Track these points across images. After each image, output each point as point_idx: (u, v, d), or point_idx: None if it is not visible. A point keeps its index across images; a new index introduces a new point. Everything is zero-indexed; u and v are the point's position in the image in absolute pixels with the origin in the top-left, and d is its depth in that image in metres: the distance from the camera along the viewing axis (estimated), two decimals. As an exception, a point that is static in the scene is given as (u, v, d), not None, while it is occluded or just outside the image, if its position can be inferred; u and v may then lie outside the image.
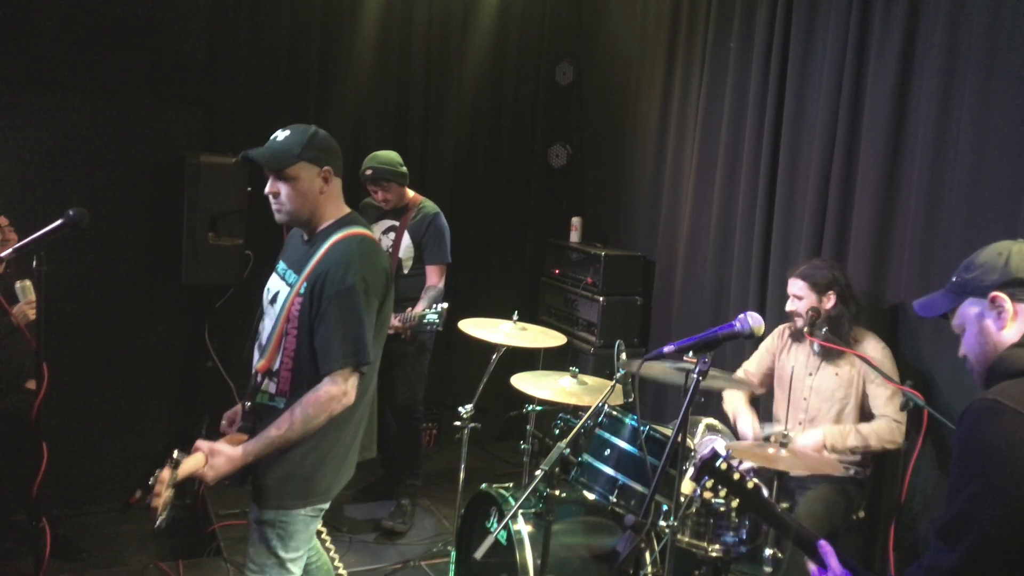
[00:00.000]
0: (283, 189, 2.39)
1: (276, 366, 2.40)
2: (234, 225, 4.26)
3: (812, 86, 3.84)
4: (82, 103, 4.18)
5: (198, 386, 4.56)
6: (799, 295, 3.35)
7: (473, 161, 5.44)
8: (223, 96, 4.53)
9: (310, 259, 2.40)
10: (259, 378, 2.43)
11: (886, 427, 3.18)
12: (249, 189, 4.24)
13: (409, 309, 4.00)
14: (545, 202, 5.70)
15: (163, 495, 2.21)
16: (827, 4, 3.76)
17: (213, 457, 2.28)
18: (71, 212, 2.58)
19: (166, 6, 4.30)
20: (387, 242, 4.26)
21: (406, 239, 4.23)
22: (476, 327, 3.63)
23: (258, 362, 2.44)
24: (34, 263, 2.54)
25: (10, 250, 2.57)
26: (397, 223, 4.26)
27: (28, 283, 3.45)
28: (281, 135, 2.44)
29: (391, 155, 4.16)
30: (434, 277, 4.22)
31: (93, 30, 4.14)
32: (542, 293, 5.45)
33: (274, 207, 2.44)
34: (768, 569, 2.73)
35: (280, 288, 2.47)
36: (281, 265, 2.55)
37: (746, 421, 3.44)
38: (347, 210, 2.52)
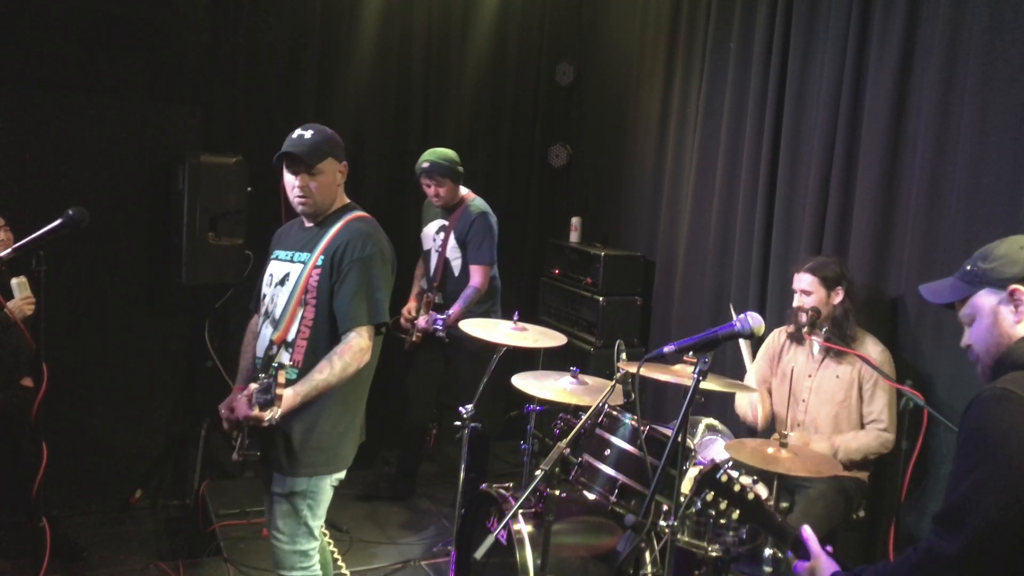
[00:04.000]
0: (311, 183, 2.60)
1: (292, 336, 2.57)
2: (234, 225, 4.26)
3: (812, 86, 3.84)
4: (82, 103, 4.18)
5: (198, 386, 4.55)
6: (808, 290, 3.31)
7: (473, 161, 5.43)
8: (223, 96, 4.53)
9: (322, 238, 2.62)
10: (273, 349, 2.57)
11: (875, 442, 3.20)
12: (249, 189, 4.24)
13: (434, 313, 4.06)
14: (545, 202, 5.70)
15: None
16: (827, 4, 3.76)
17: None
18: (71, 212, 2.58)
19: (166, 6, 4.30)
20: (438, 242, 4.27)
21: (452, 239, 4.24)
22: (476, 327, 3.63)
23: (273, 334, 2.59)
24: (33, 263, 2.54)
25: (9, 250, 2.57)
26: (447, 223, 4.27)
27: (24, 279, 3.48)
28: (307, 133, 2.62)
29: (449, 152, 4.21)
30: (476, 278, 4.20)
31: (93, 30, 4.13)
32: (542, 293, 5.44)
33: (300, 200, 2.63)
34: (768, 569, 2.73)
35: (290, 269, 2.66)
36: (283, 253, 2.72)
37: (746, 403, 3.51)
38: (347, 199, 2.76)
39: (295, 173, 2.60)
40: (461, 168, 4.21)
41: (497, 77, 5.44)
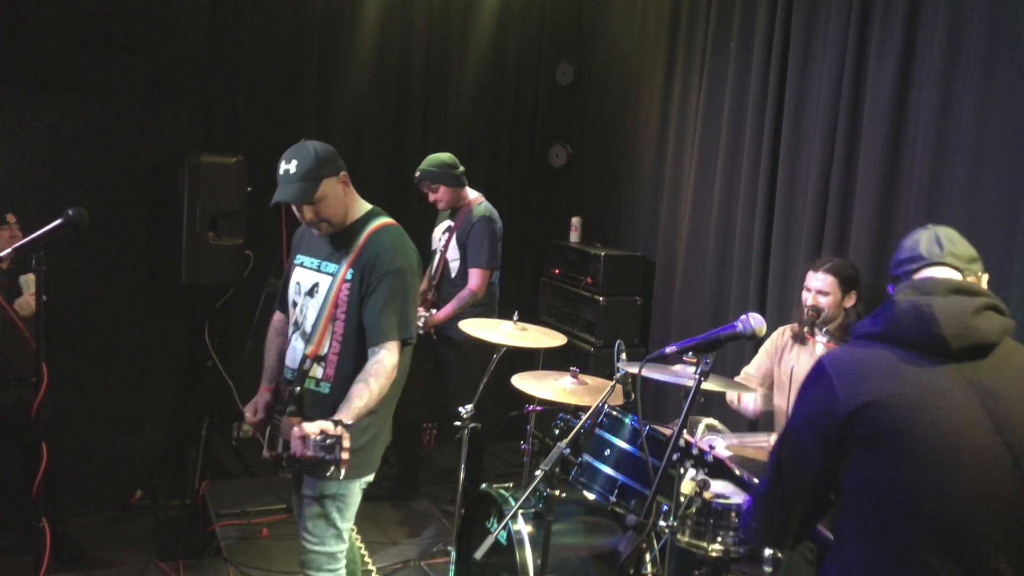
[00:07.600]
0: (317, 212, 2.57)
1: (325, 351, 2.60)
2: (234, 225, 4.26)
3: (812, 86, 3.84)
4: (82, 103, 4.18)
5: (198, 386, 4.55)
6: (825, 290, 3.27)
7: (473, 161, 5.43)
8: (223, 96, 4.54)
9: (350, 249, 2.61)
10: (307, 363, 2.60)
11: None
12: (249, 189, 4.24)
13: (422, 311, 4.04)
14: (545, 202, 5.71)
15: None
16: (827, 4, 3.76)
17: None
18: (70, 212, 2.58)
19: (166, 6, 4.30)
20: (442, 242, 4.31)
21: (454, 240, 4.25)
22: (476, 327, 3.63)
23: (306, 348, 2.61)
24: (33, 262, 2.54)
25: (9, 250, 2.57)
26: (453, 224, 4.30)
27: (32, 276, 3.51)
28: (292, 167, 2.54)
29: (442, 156, 4.22)
30: (473, 280, 4.17)
31: (93, 30, 4.14)
32: (542, 293, 5.45)
33: (317, 229, 2.62)
34: (768, 569, 2.73)
35: (319, 280, 2.66)
36: (309, 260, 2.72)
37: (749, 396, 3.45)
38: (368, 205, 2.72)
39: (299, 209, 2.59)
40: (456, 171, 4.20)
41: (497, 77, 5.44)
